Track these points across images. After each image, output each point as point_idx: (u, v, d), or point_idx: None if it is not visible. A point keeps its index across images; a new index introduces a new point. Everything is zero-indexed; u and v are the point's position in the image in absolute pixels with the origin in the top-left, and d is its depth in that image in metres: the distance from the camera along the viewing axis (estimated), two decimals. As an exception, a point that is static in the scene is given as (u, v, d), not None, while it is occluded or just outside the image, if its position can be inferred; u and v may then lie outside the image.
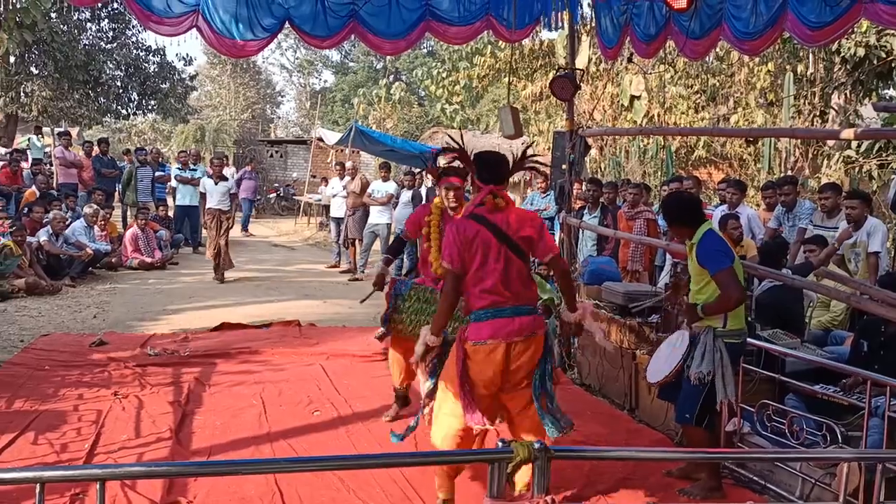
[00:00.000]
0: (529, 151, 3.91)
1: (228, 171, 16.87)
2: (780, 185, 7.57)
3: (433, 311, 4.34)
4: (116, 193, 13.85)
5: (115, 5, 17.43)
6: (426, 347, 3.77)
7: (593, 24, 7.37)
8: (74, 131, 19.46)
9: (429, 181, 11.88)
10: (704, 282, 4.09)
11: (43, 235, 9.91)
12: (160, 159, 15.56)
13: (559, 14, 7.04)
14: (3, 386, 5.50)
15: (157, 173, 13.88)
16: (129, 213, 13.23)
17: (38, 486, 1.90)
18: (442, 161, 4.96)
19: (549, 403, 3.72)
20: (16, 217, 10.28)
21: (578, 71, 7.05)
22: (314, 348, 6.92)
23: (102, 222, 11.25)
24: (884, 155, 10.06)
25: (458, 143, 3.84)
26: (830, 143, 11.87)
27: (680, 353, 4.18)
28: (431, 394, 3.99)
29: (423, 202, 10.55)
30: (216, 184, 10.47)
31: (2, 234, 9.19)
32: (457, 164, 4.17)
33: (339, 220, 12.12)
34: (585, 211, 8.51)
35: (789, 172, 11.66)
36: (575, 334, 4.12)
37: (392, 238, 11.18)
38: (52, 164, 14.02)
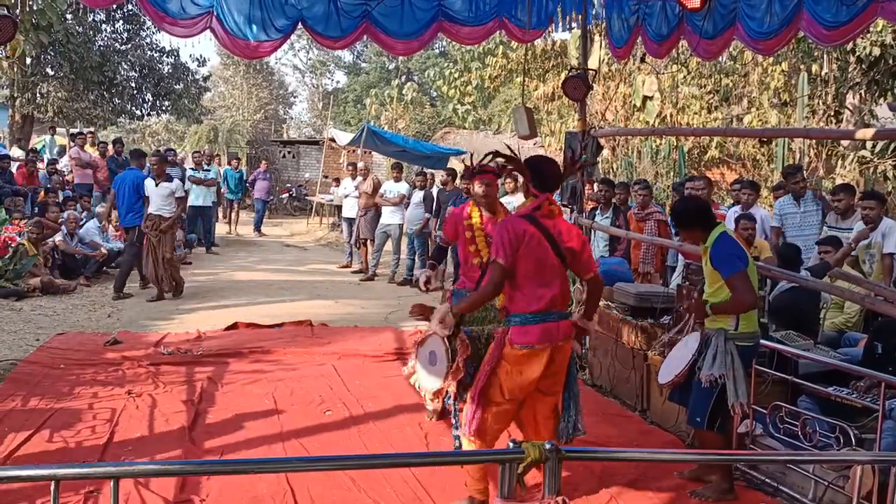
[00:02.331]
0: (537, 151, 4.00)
1: (226, 168, 16.85)
2: (792, 175, 7.47)
3: (493, 317, 4.47)
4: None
5: (130, 7, 17.57)
6: (442, 323, 3.70)
7: (605, 25, 7.35)
8: (91, 131, 19.60)
9: (438, 182, 11.88)
10: (718, 284, 4.07)
11: (58, 235, 9.99)
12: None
13: (572, 14, 7.03)
14: (19, 384, 5.56)
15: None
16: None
17: (52, 483, 1.92)
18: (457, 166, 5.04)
19: (573, 406, 3.92)
20: (31, 216, 10.37)
21: (591, 71, 7.03)
22: (326, 348, 6.95)
23: (117, 222, 11.33)
24: (899, 155, 9.98)
25: (512, 152, 3.93)
26: (845, 143, 11.79)
27: (689, 355, 4.17)
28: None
29: (434, 203, 10.56)
30: (157, 185, 8.97)
31: (18, 233, 9.28)
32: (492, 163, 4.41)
33: (350, 221, 12.15)
34: (597, 212, 8.49)
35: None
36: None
37: (405, 239, 11.20)
38: (58, 163, 14.16)
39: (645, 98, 15.36)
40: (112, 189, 10.33)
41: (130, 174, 9.43)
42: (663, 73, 15.63)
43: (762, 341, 4.47)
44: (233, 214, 16.60)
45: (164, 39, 19.86)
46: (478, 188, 4.77)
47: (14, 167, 12.40)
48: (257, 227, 16.74)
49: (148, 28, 19.10)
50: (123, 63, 19.06)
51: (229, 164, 17.47)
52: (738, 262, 3.98)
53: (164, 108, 20.70)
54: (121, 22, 19.09)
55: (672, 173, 14.84)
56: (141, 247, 9.25)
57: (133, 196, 9.23)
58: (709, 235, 4.12)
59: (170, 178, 9.10)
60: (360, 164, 12.54)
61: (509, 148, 4.07)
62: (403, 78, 36.48)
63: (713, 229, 4.13)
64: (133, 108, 20.09)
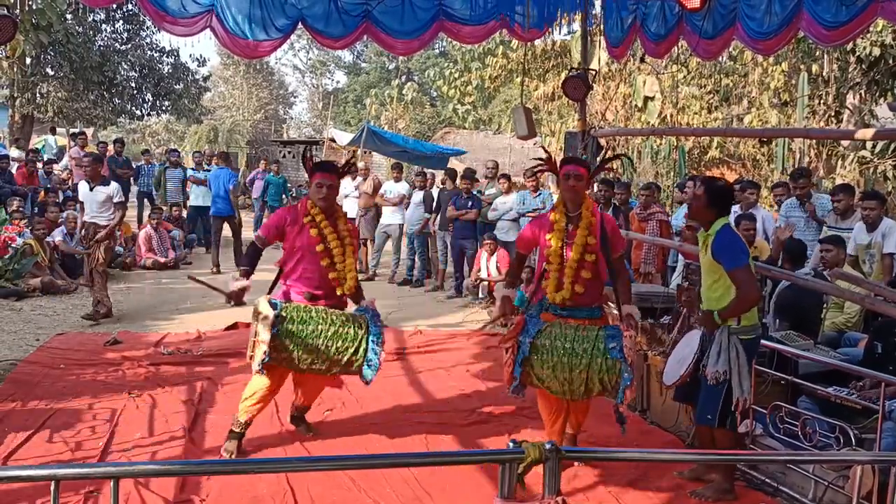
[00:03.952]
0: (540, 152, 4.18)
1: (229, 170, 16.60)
2: (795, 179, 7.49)
3: (317, 332, 4.27)
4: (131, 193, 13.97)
5: (130, 6, 17.58)
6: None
7: (602, 25, 7.35)
8: (89, 132, 19.62)
9: (439, 182, 11.88)
10: (717, 276, 4.02)
11: (58, 235, 10.00)
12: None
13: (573, 14, 7.03)
14: (19, 384, 5.56)
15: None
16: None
17: (52, 483, 1.92)
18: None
19: None
20: (31, 217, 10.37)
21: (591, 71, 7.04)
22: (326, 348, 6.93)
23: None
24: (899, 155, 9.98)
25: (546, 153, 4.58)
26: (845, 143, 11.79)
27: (692, 353, 4.15)
28: None
29: (434, 203, 10.55)
30: (91, 189, 7.91)
31: (19, 233, 9.28)
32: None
33: (350, 221, 12.14)
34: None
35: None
36: None
37: (405, 239, 11.19)
38: (55, 164, 14.17)
39: (646, 98, 15.36)
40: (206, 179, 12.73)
41: (224, 172, 11.64)
42: (663, 74, 15.63)
43: (763, 341, 4.48)
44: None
45: (164, 39, 19.94)
46: (318, 189, 4.46)
47: (14, 167, 12.41)
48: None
49: (148, 28, 19.12)
50: (123, 63, 19.07)
51: (269, 168, 16.77)
52: (741, 255, 3.95)
53: (164, 108, 20.72)
54: (121, 22, 19.11)
55: (672, 173, 14.85)
56: (218, 232, 11.61)
57: (225, 190, 11.52)
58: (713, 224, 4.06)
59: (106, 182, 8.02)
60: (361, 164, 12.53)
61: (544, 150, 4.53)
62: (403, 78, 36.51)
63: (719, 219, 4.09)
64: (133, 108, 20.10)
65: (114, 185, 8.09)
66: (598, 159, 4.64)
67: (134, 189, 15.16)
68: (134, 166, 14.51)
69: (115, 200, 7.93)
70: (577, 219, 4.25)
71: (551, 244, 4.26)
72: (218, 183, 11.64)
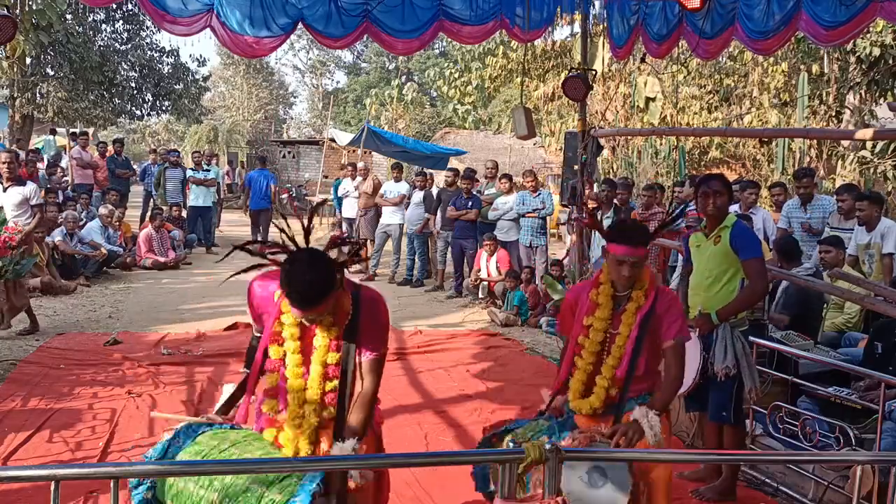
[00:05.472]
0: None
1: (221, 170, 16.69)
2: (798, 178, 7.50)
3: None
4: (130, 193, 13.99)
5: (130, 6, 17.58)
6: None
7: (605, 25, 7.36)
8: (89, 132, 19.63)
9: (438, 182, 11.89)
10: (728, 271, 4.00)
11: (58, 235, 9.99)
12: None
13: (573, 14, 7.03)
14: (19, 384, 5.56)
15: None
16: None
17: (52, 483, 1.92)
18: None
19: None
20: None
21: (591, 71, 7.04)
22: (326, 348, 6.93)
23: (117, 223, 11.33)
24: (899, 155, 9.98)
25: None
26: (845, 143, 11.80)
27: (697, 358, 4.10)
28: None
29: (436, 202, 10.54)
30: (5, 190, 7.12)
31: (18, 233, 9.25)
32: None
33: (350, 221, 12.15)
34: (599, 212, 8.50)
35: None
36: None
37: (405, 239, 11.18)
38: (60, 162, 14.17)
39: (648, 99, 15.36)
40: (246, 185, 14.19)
41: (261, 173, 13.34)
42: (663, 74, 15.64)
43: (762, 341, 4.48)
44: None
45: (164, 39, 19.91)
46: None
47: (14, 167, 12.40)
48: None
49: (148, 28, 19.12)
50: (123, 63, 19.07)
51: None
52: (759, 246, 4.03)
53: (164, 108, 20.71)
54: (121, 22, 19.10)
55: (672, 173, 14.85)
56: (263, 228, 13.04)
57: (263, 188, 13.16)
58: (726, 216, 4.08)
59: (23, 182, 7.29)
60: (360, 165, 12.53)
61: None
62: (403, 78, 36.52)
63: (728, 215, 4.12)
64: (133, 108, 20.09)
65: (31, 185, 7.39)
66: (658, 224, 3.52)
67: (138, 189, 15.23)
68: (138, 166, 14.54)
69: (33, 203, 7.22)
70: (625, 300, 3.13)
71: (589, 337, 3.14)
72: (257, 183, 13.24)
